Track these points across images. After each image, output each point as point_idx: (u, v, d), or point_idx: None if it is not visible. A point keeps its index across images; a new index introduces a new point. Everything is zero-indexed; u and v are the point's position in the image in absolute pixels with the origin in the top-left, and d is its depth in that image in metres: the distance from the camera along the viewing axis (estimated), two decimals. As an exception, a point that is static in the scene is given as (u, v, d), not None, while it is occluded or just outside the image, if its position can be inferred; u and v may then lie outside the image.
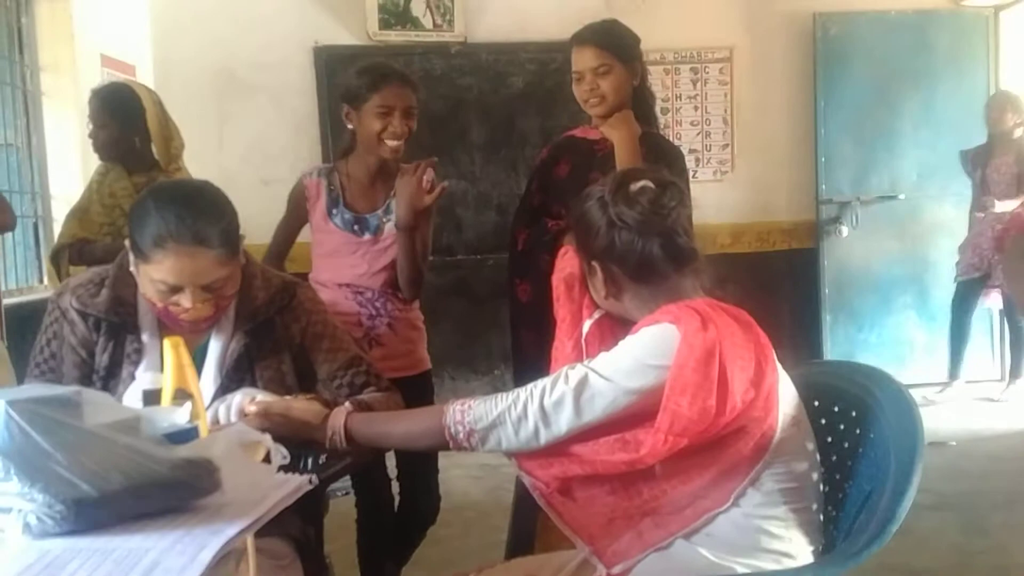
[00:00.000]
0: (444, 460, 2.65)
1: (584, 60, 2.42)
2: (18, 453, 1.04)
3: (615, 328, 1.61)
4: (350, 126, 2.46)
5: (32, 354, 1.77)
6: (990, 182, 5.01)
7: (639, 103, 2.49)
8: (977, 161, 5.07)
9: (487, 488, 3.89)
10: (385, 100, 2.38)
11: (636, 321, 1.54)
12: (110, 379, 1.69)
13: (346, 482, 2.65)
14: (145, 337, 1.71)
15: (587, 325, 1.63)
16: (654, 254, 1.53)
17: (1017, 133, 5.00)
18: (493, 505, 3.60)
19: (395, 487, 2.66)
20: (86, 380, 1.69)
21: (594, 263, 1.56)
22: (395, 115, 2.38)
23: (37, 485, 1.02)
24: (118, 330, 1.71)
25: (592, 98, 2.43)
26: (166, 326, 1.72)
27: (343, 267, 2.46)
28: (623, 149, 2.35)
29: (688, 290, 1.55)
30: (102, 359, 1.70)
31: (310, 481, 1.28)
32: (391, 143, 2.40)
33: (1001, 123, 4.98)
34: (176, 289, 1.60)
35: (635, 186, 1.54)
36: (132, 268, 1.67)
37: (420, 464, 2.58)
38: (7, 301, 3.21)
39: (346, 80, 2.51)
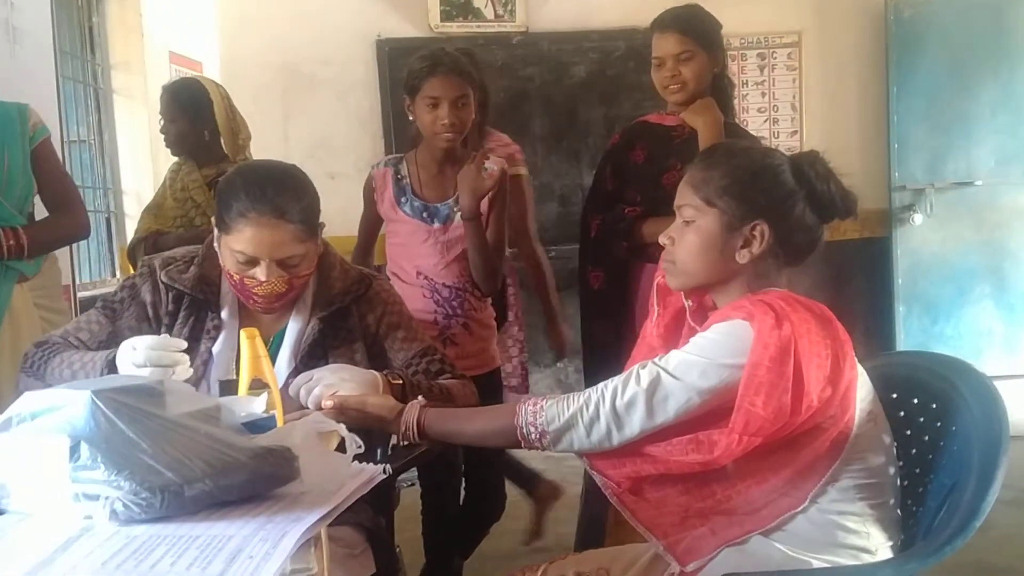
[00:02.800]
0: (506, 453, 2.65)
1: (666, 46, 2.38)
2: (104, 441, 1.06)
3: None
4: (411, 117, 2.46)
5: (107, 295, 1.86)
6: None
7: (718, 92, 2.44)
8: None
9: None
10: (432, 90, 2.35)
11: (712, 301, 1.53)
12: (187, 353, 1.73)
13: (412, 473, 2.67)
14: (225, 315, 1.78)
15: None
16: (813, 242, 1.53)
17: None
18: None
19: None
20: (140, 331, 1.75)
21: (752, 222, 1.49)
22: (443, 105, 2.35)
23: (123, 473, 1.05)
24: (200, 307, 1.78)
25: (672, 84, 2.39)
26: (245, 309, 1.78)
27: (416, 256, 2.46)
28: (708, 136, 2.31)
29: (782, 284, 1.53)
30: (181, 333, 1.75)
31: (384, 471, 1.29)
32: (442, 135, 2.37)
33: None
34: (253, 262, 1.66)
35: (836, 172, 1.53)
36: (215, 243, 1.74)
37: (488, 461, 2.58)
38: (81, 294, 3.32)
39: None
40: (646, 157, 2.45)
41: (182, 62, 4.52)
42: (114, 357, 1.61)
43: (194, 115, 2.99)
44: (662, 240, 1.56)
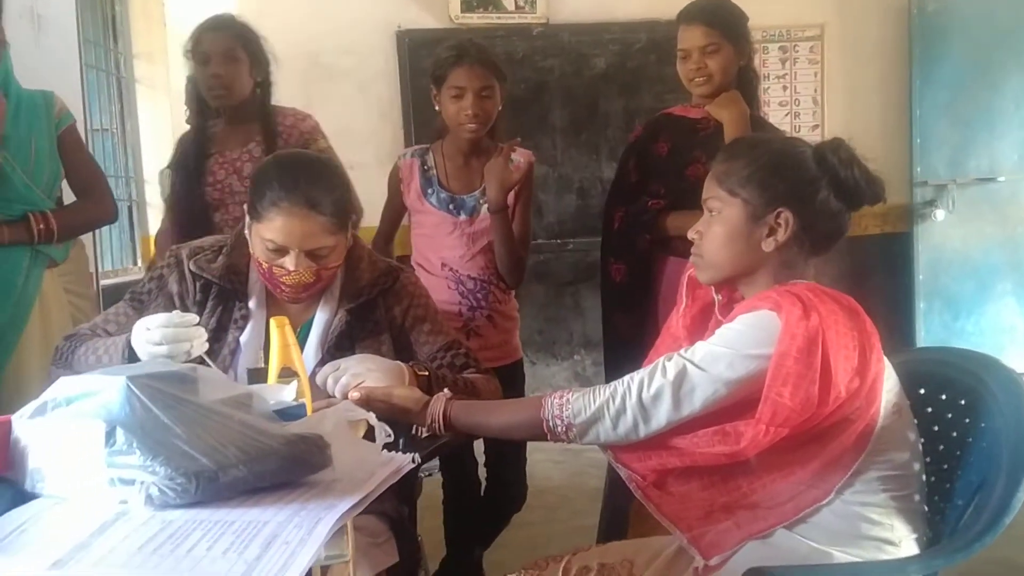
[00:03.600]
0: (527, 445, 2.65)
1: (692, 38, 2.37)
2: (139, 427, 1.07)
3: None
4: (436, 108, 2.46)
5: (134, 286, 1.87)
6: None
7: (743, 84, 2.42)
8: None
9: (569, 473, 3.88)
10: (457, 81, 2.37)
11: (742, 296, 1.52)
12: (214, 343, 1.74)
13: (432, 463, 2.67)
14: (252, 305, 1.79)
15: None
16: (838, 229, 1.52)
17: None
18: (575, 490, 3.60)
19: (483, 471, 2.68)
20: None
21: (776, 209, 1.49)
22: (467, 96, 2.36)
23: (159, 458, 1.05)
24: (228, 296, 1.79)
25: (698, 77, 2.37)
26: (273, 299, 1.79)
27: (442, 248, 2.47)
28: (735, 129, 2.29)
29: (808, 275, 1.52)
30: (209, 322, 1.76)
31: (412, 460, 1.29)
32: (467, 125, 2.38)
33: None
34: (282, 251, 1.67)
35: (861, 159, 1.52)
36: (246, 230, 1.75)
37: (508, 452, 2.58)
38: (103, 282, 3.34)
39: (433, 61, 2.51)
40: (670, 150, 2.44)
41: (203, 52, 4.52)
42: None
43: (218, 105, 2.99)
44: (690, 235, 1.57)
